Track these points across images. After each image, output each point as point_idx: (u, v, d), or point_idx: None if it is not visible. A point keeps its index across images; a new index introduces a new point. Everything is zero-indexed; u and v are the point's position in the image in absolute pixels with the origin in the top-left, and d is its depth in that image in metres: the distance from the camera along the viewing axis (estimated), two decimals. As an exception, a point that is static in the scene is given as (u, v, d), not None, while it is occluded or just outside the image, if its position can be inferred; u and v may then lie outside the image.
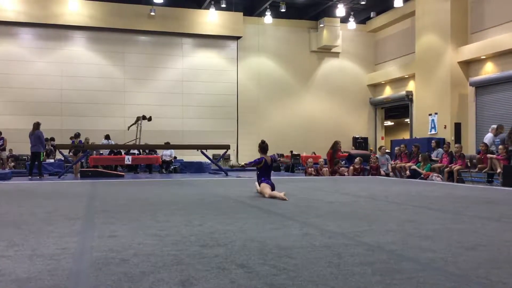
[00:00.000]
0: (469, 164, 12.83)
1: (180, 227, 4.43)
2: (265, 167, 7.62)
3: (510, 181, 10.65)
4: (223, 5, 22.82)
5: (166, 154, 18.86)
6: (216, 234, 4.05)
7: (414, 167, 13.76)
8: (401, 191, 8.51)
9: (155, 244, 3.61)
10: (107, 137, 19.33)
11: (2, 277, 2.67)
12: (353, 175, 14.47)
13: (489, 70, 18.52)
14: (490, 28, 18.37)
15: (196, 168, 18.67)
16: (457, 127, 19.20)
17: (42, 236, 3.97)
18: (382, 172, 14.50)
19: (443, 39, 19.56)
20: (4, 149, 17.97)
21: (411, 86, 23.29)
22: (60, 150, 15.86)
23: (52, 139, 19.44)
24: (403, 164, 14.43)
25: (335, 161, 15.14)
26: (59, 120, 22.09)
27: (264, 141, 7.87)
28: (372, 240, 3.78)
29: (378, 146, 20.30)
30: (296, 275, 2.73)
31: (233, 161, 23.73)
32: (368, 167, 15.07)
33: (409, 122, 24.30)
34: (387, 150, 16.85)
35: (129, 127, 20.85)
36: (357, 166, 14.78)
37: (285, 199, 6.84)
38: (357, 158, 15.40)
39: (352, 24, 24.86)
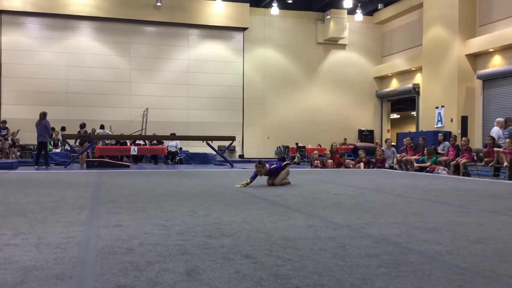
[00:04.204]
0: (475, 157, 12.76)
1: (185, 217, 4.44)
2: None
3: (516, 175, 10.59)
4: (230, -4, 22.76)
5: (171, 145, 18.89)
6: (221, 224, 4.05)
7: (417, 165, 13.59)
8: (407, 184, 8.49)
9: (160, 234, 3.63)
10: (102, 127, 19.53)
11: (9, 265, 2.69)
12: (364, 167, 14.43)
13: (497, 63, 18.37)
14: (499, 21, 18.20)
15: (202, 159, 18.69)
16: (464, 120, 19.09)
17: (48, 225, 3.99)
18: (387, 165, 14.46)
19: (451, 32, 19.41)
20: (7, 139, 17.99)
21: (418, 78, 23.16)
22: (66, 139, 15.90)
23: (63, 128, 19.53)
24: (409, 157, 14.36)
25: (341, 153, 15.17)
26: (65, 110, 22.16)
27: (260, 161, 8.01)
28: (378, 232, 3.78)
29: (384, 139, 20.20)
30: (301, 266, 2.73)
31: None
32: (373, 160, 15.04)
33: (415, 115, 24.18)
34: (392, 143, 16.77)
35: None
36: (363, 159, 14.74)
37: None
38: (360, 150, 15.34)
39: (359, 15, 24.69)
